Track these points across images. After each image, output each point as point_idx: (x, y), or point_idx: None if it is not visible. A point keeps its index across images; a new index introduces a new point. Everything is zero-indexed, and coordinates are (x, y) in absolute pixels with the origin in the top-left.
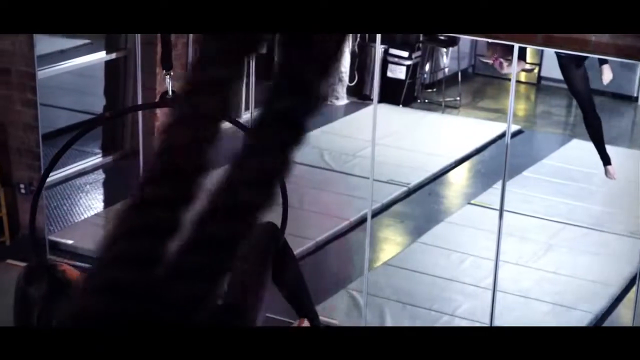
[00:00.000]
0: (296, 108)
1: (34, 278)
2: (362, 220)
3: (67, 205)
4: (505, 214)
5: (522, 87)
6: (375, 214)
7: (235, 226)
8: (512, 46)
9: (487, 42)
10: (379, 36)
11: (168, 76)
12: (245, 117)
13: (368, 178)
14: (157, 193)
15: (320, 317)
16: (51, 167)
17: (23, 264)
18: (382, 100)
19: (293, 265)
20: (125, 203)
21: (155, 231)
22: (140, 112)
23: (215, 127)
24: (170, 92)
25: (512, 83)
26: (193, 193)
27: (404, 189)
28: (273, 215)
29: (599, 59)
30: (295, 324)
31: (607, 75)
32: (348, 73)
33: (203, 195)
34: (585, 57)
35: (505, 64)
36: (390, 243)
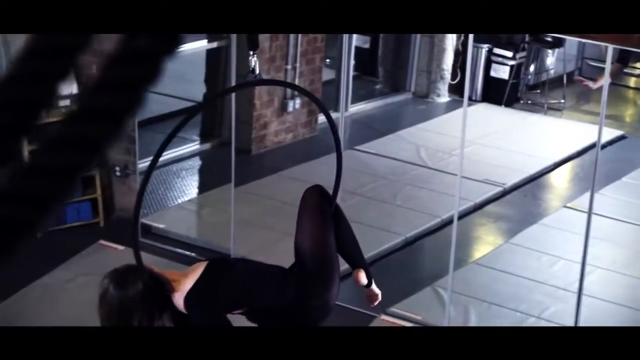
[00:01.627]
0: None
1: (124, 282)
2: (453, 219)
3: (162, 189)
4: (601, 219)
5: (631, 93)
6: (469, 212)
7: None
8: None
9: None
10: (471, 36)
11: (254, 56)
12: (347, 112)
13: (464, 177)
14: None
15: (404, 313)
16: (162, 151)
17: (116, 246)
18: (484, 99)
19: (345, 221)
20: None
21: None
22: (234, 102)
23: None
24: (257, 71)
25: (605, 89)
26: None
27: (500, 189)
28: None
29: None
30: (354, 274)
31: None
32: (450, 71)
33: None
34: None
35: (590, 83)
36: (481, 242)
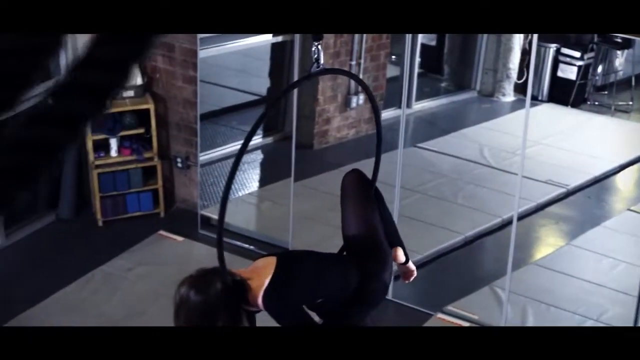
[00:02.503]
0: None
1: (204, 285)
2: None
3: (223, 182)
4: None
5: None
6: (531, 213)
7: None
8: None
9: None
10: (536, 35)
11: (319, 46)
12: (411, 109)
13: (526, 177)
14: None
15: (461, 312)
16: (245, 147)
17: (175, 236)
18: (550, 100)
19: (383, 202)
20: None
21: None
22: (296, 97)
23: None
24: (321, 61)
25: None
26: None
27: (563, 190)
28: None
29: None
30: (392, 253)
31: None
32: (517, 70)
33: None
34: None
35: None
36: (542, 243)
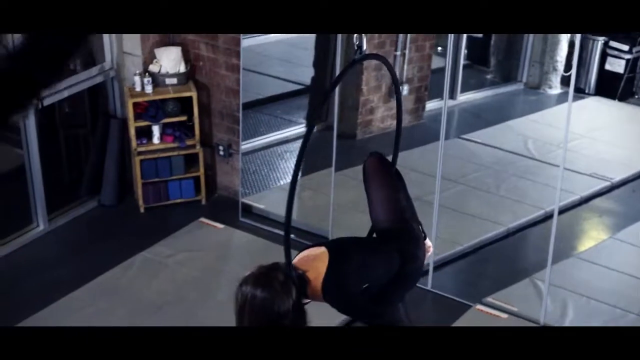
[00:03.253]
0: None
1: (268, 281)
2: (558, 212)
3: (265, 170)
4: None
5: None
6: (574, 206)
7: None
8: None
9: None
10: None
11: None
12: (456, 100)
13: (570, 170)
14: None
15: (500, 303)
16: (306, 142)
17: (215, 224)
18: (598, 93)
19: (403, 182)
20: None
21: None
22: (339, 89)
23: None
24: (364, 48)
25: None
26: None
27: (607, 183)
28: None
29: None
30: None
31: None
32: (564, 62)
33: None
34: None
35: None
36: (585, 236)
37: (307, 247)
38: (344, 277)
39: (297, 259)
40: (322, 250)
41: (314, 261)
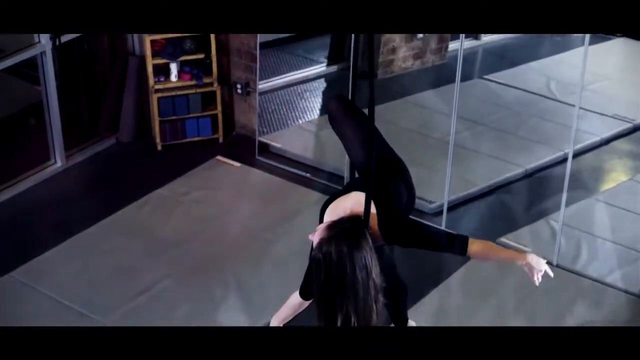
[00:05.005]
0: None
1: (351, 236)
2: (577, 153)
3: (284, 110)
4: None
5: None
6: (595, 147)
7: None
8: None
9: None
10: None
11: None
12: (481, 41)
13: (591, 111)
14: None
15: (513, 243)
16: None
17: (232, 162)
18: (625, 34)
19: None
20: None
21: None
22: None
23: None
24: None
25: None
26: None
27: (629, 125)
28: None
29: None
30: None
31: None
32: None
33: None
34: None
35: None
36: (604, 178)
37: (338, 194)
38: (393, 213)
39: (336, 210)
40: (361, 195)
41: (360, 207)
